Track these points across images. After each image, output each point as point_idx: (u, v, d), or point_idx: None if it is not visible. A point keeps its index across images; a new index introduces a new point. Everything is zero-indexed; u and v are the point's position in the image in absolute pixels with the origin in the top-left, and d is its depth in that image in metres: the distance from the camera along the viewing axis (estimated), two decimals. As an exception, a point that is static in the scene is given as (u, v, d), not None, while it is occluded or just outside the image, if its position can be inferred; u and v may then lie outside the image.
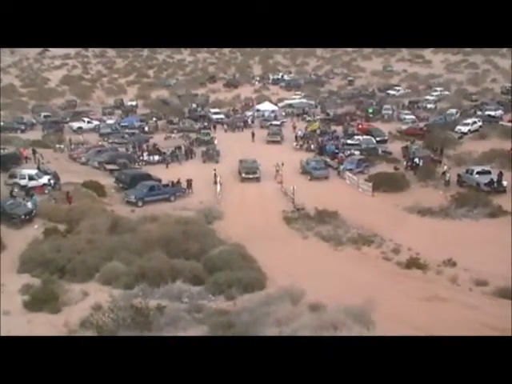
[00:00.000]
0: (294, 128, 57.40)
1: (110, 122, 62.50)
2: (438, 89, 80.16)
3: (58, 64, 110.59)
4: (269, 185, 40.59)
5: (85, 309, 18.68)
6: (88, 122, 61.53)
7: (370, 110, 65.55)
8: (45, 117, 64.64)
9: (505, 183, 36.90)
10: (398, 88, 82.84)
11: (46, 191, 36.32)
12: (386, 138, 52.99)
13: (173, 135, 56.74)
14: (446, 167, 41.14)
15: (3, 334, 16.48)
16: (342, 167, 43.20)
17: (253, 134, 55.39)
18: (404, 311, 19.91)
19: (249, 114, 66.92)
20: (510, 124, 55.00)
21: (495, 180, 36.92)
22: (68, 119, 64.28)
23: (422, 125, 57.78)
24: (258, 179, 41.67)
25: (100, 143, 53.19)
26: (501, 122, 57.03)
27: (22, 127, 60.43)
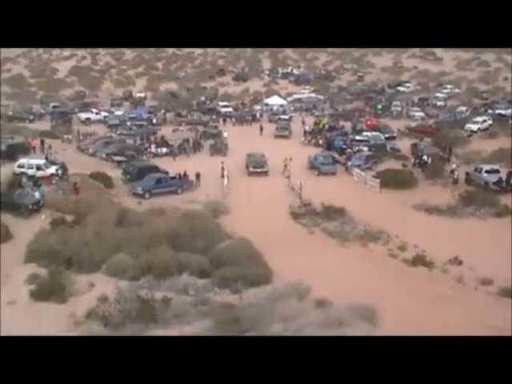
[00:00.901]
0: (303, 123, 57.23)
1: (118, 113, 62.59)
2: (449, 86, 79.69)
3: (67, 55, 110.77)
4: (276, 179, 40.52)
5: (91, 300, 18.80)
6: (96, 113, 61.62)
7: (379, 107, 65.29)
8: (53, 107, 64.82)
9: (513, 182, 36.67)
10: (407, 85, 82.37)
11: (54, 182, 36.43)
12: (394, 134, 52.75)
13: (181, 128, 56.73)
14: (454, 165, 40.90)
15: (10, 323, 16.65)
16: (349, 163, 43.06)
17: (261, 128, 55.30)
18: (409, 309, 19.85)
19: (257, 107, 66.80)
20: (520, 123, 54.62)
21: (504, 179, 36.70)
22: (76, 110, 64.39)
23: (431, 122, 57.45)
24: (265, 173, 41.62)
25: (108, 134, 53.26)
26: (511, 121, 56.59)
27: (31, 117, 60.59)
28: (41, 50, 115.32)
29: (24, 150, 42.68)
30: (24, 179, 35.53)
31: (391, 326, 14.62)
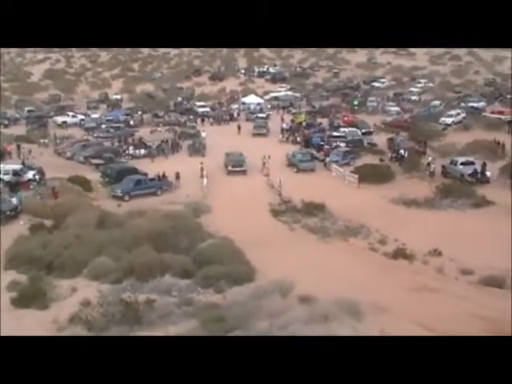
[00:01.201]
0: (283, 120, 57.30)
1: (94, 116, 62.04)
2: (422, 81, 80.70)
3: (40, 58, 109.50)
4: (255, 178, 40.62)
5: (73, 304, 18.58)
6: (73, 117, 61.01)
7: (356, 103, 65.82)
8: (28, 111, 63.97)
9: (488, 174, 37.33)
10: (382, 80, 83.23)
11: (32, 187, 35.96)
12: (371, 129, 53.22)
13: (158, 129, 56.47)
14: (430, 158, 41.49)
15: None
16: (328, 159, 43.36)
17: (239, 127, 55.32)
18: (392, 302, 20.07)
19: (234, 106, 66.84)
20: (492, 115, 55.56)
21: (479, 170, 37.35)
22: (52, 114, 63.67)
23: (406, 117, 58.17)
24: (244, 172, 41.67)
25: (85, 137, 52.75)
26: (484, 114, 57.58)
27: (6, 122, 59.77)
28: (13, 54, 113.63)
29: (-1, 155, 42.13)
30: (0, 185, 35.05)
31: (376, 320, 14.79)
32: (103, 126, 56.29)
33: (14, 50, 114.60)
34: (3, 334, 15.95)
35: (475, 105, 61.36)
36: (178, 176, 39.08)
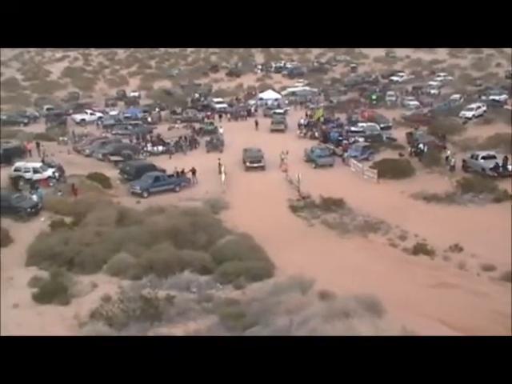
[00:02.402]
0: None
1: (113, 113, 62.48)
2: (442, 74, 79.72)
3: (59, 56, 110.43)
4: (274, 173, 40.53)
5: (94, 300, 18.75)
6: (91, 114, 61.49)
7: (374, 97, 65.25)
8: (47, 109, 64.64)
9: (510, 167, 36.72)
10: (401, 74, 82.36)
11: (51, 184, 36.35)
12: (390, 124, 52.73)
13: (176, 125, 56.62)
14: (449, 152, 41.00)
15: (14, 327, 16.63)
16: (346, 154, 43.07)
17: (256, 123, 55.22)
18: (413, 298, 19.93)
19: (252, 102, 66.71)
20: (514, 108, 54.64)
21: (500, 164, 36.76)
22: (71, 111, 64.26)
23: (425, 111, 57.51)
24: (262, 168, 41.61)
25: (103, 135, 53.14)
26: (505, 107, 56.59)
27: (25, 120, 60.47)
28: (33, 53, 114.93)
29: (20, 153, 42.60)
30: (21, 182, 35.47)
31: (395, 316, 14.64)
32: (122, 123, 56.61)
33: (33, 49, 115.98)
34: (25, 329, 16.20)
35: (496, 98, 60.33)
36: (194, 172, 39.16)
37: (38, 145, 45.84)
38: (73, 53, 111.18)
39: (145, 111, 62.41)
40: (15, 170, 37.21)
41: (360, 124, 50.93)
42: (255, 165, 41.71)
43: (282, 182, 38.79)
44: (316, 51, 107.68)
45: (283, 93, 72.45)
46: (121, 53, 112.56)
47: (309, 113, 57.78)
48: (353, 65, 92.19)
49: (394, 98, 64.83)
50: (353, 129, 49.72)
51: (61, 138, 51.28)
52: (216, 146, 47.38)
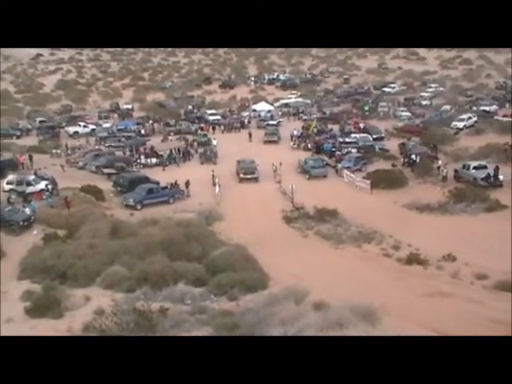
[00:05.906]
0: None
1: (106, 125, 62.42)
2: (433, 85, 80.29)
3: (52, 69, 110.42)
4: (267, 185, 40.60)
5: (87, 313, 18.65)
6: (84, 127, 61.44)
7: (366, 108, 65.63)
8: (40, 122, 64.44)
9: (501, 177, 37.01)
10: (393, 85, 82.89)
11: (44, 197, 36.19)
12: (382, 135, 53.03)
13: (170, 137, 56.66)
14: (440, 162, 41.27)
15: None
16: (339, 165, 43.23)
17: (250, 135, 55.36)
18: (407, 307, 19.94)
19: (245, 114, 66.91)
20: (504, 119, 55.13)
21: (492, 174, 37.01)
22: (64, 124, 64.18)
23: (418, 121, 57.90)
24: (256, 179, 41.66)
25: (97, 147, 53.08)
26: (496, 117, 57.16)
27: (18, 133, 60.34)
28: (26, 65, 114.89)
29: (13, 166, 42.44)
30: (13, 196, 35.33)
31: (390, 325, 14.65)
32: (115, 136, 56.59)
33: (26, 61, 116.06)
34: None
35: (487, 108, 60.89)
36: (187, 184, 39.16)
37: (30, 157, 45.72)
38: (66, 65, 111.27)
39: (138, 123, 62.43)
40: (7, 183, 37.04)
41: (353, 135, 51.17)
42: (249, 176, 41.77)
43: (275, 193, 38.87)
44: (308, 63, 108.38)
45: (276, 104, 72.75)
46: (114, 65, 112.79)
47: (304, 125, 57.93)
48: (345, 76, 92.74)
49: (386, 109, 65.27)
50: (346, 140, 49.96)
51: (54, 151, 51.15)
52: (210, 157, 47.45)
